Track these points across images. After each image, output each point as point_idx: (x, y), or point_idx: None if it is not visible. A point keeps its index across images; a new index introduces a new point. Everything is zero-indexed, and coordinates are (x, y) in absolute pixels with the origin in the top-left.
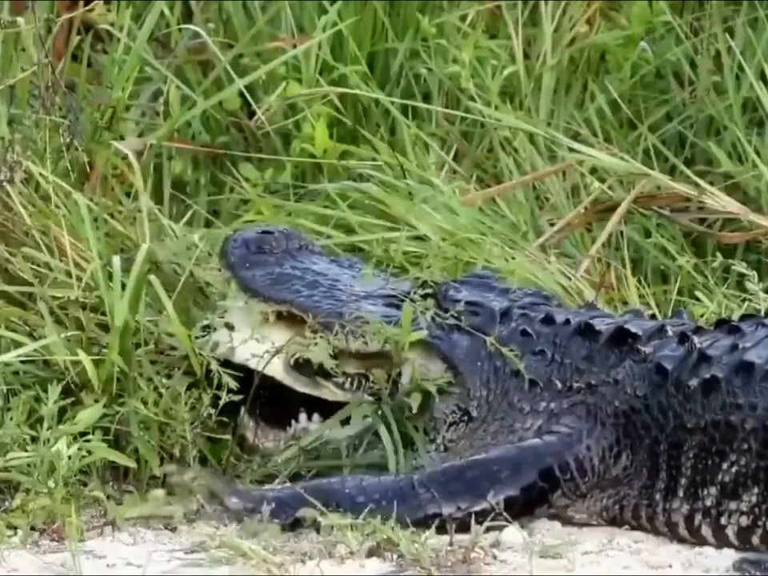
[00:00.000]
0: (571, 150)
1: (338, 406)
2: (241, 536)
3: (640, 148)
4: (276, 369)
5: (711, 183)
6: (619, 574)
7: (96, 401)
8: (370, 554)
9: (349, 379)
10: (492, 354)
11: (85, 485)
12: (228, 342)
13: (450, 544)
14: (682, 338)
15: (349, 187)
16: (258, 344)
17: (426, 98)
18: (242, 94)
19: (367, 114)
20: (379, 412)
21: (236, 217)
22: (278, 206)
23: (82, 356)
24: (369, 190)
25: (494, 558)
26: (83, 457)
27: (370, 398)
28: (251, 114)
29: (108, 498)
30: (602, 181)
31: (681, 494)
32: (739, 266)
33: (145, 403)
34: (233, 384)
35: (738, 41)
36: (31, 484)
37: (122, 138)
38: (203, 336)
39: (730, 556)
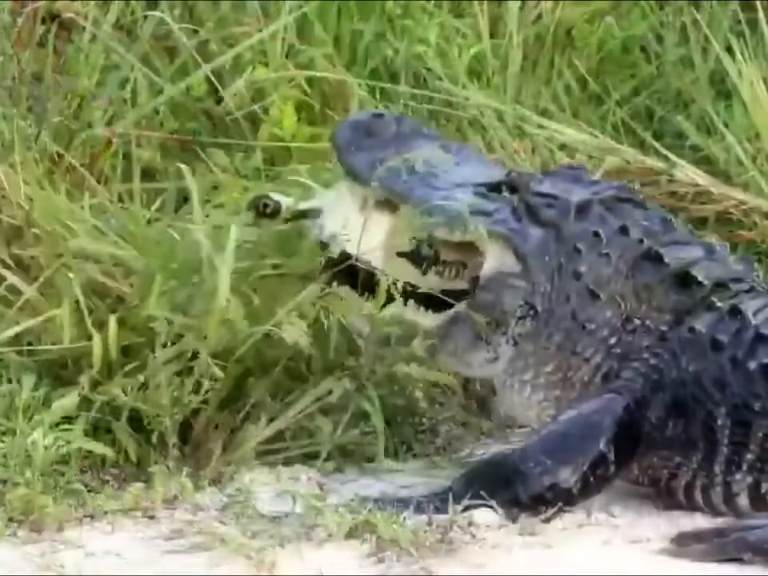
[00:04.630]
0: (540, 126)
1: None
2: (222, 521)
3: (608, 123)
4: (376, 256)
5: (680, 156)
6: (598, 548)
7: (83, 388)
8: (349, 535)
9: (447, 268)
10: (559, 249)
11: (65, 474)
12: (331, 228)
13: (429, 524)
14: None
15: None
16: (358, 229)
17: (394, 79)
18: (208, 80)
19: (335, 95)
20: (369, 403)
21: (207, 202)
22: (249, 188)
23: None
24: None
25: (473, 536)
26: (60, 446)
27: (466, 285)
28: (220, 101)
29: (86, 487)
30: (572, 156)
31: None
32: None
33: (126, 391)
34: (219, 374)
35: (704, 13)
36: (7, 475)
37: (89, 127)
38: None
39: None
